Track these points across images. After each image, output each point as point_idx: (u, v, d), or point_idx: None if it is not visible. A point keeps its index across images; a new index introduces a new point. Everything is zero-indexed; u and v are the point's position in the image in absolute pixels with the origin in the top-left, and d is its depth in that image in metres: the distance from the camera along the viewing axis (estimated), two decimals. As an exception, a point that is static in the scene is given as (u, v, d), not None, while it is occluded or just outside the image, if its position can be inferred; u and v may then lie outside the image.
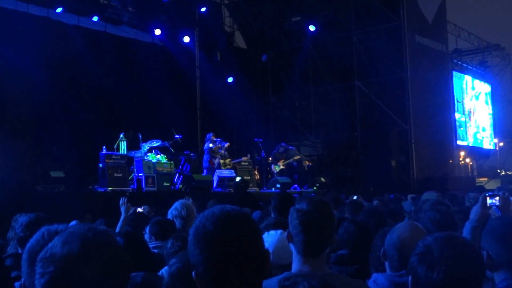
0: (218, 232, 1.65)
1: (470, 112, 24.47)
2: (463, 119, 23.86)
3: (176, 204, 4.87)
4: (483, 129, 25.74)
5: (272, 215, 4.68)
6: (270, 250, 3.09)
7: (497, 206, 3.56)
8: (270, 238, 3.24)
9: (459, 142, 23.32)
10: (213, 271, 1.65)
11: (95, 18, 15.95)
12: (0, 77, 10.54)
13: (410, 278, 1.97)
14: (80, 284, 1.39)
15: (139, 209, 6.16)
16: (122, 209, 5.50)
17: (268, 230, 3.58)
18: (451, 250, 1.89)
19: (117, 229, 5.08)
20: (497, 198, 3.55)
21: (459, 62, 25.57)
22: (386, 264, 2.93)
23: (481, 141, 25.70)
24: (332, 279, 2.27)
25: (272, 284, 2.20)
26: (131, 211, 5.54)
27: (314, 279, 1.98)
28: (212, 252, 1.65)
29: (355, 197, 8.73)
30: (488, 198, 3.49)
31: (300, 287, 1.93)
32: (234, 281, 1.66)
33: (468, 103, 24.44)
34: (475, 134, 24.98)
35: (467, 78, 24.85)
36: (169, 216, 4.73)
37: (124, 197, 5.61)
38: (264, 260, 1.72)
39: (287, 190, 13.75)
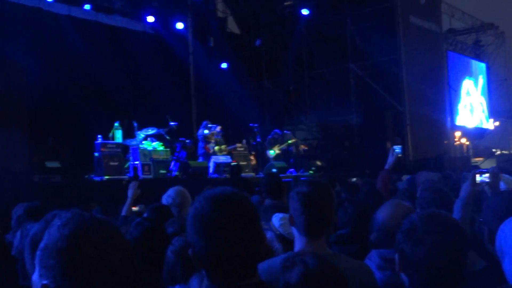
0: (215, 213, 1.68)
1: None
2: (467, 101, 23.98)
3: (170, 192, 4.86)
4: (482, 111, 25.84)
5: (267, 199, 4.72)
6: None
7: (487, 183, 3.62)
8: None
9: (460, 123, 23.38)
10: (208, 250, 1.68)
11: (87, 7, 15.88)
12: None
13: (396, 255, 2.03)
14: (89, 267, 1.37)
15: (135, 209, 6.03)
16: (130, 192, 5.28)
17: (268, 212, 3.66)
18: (436, 226, 1.95)
19: (123, 213, 5.04)
20: (487, 175, 3.61)
21: (454, 42, 25.53)
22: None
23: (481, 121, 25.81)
24: (333, 260, 2.30)
25: (275, 263, 2.25)
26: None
27: (313, 258, 2.02)
28: (208, 232, 1.67)
29: (353, 180, 8.84)
30: (477, 175, 3.55)
31: (296, 270, 1.99)
32: (229, 262, 1.68)
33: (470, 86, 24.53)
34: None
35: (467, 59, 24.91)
36: (164, 202, 4.76)
37: (135, 182, 5.41)
38: (260, 242, 1.75)
39: (283, 175, 13.78)
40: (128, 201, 5.18)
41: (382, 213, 3.07)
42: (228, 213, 1.68)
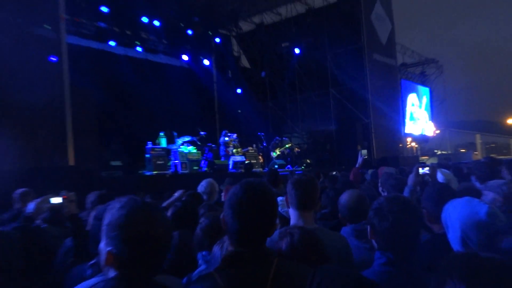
0: (243, 194, 1.70)
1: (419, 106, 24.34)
2: (415, 115, 23.78)
3: (203, 182, 4.88)
4: (426, 122, 25.63)
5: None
6: None
7: (427, 174, 3.60)
8: None
9: (409, 131, 23.16)
10: (234, 219, 1.69)
11: (139, 49, 15.96)
12: (74, 96, 10.62)
13: (368, 227, 2.03)
14: (139, 241, 1.39)
15: (175, 194, 5.86)
16: (177, 194, 4.85)
17: None
18: (396, 206, 1.95)
19: (163, 205, 4.96)
20: (427, 168, 3.60)
21: (406, 73, 25.44)
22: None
23: (424, 129, 25.58)
24: (318, 232, 2.30)
25: (275, 235, 2.26)
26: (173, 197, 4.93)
27: (298, 231, 2.01)
28: (236, 207, 1.70)
29: (334, 173, 8.77)
30: (420, 168, 3.54)
31: (285, 241, 1.99)
32: (246, 230, 1.69)
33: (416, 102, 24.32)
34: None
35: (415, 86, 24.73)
36: (199, 190, 4.76)
37: (183, 191, 4.91)
38: (274, 223, 1.75)
39: (282, 170, 13.77)
40: (172, 199, 5.00)
41: (343, 199, 3.10)
42: (252, 196, 1.70)
